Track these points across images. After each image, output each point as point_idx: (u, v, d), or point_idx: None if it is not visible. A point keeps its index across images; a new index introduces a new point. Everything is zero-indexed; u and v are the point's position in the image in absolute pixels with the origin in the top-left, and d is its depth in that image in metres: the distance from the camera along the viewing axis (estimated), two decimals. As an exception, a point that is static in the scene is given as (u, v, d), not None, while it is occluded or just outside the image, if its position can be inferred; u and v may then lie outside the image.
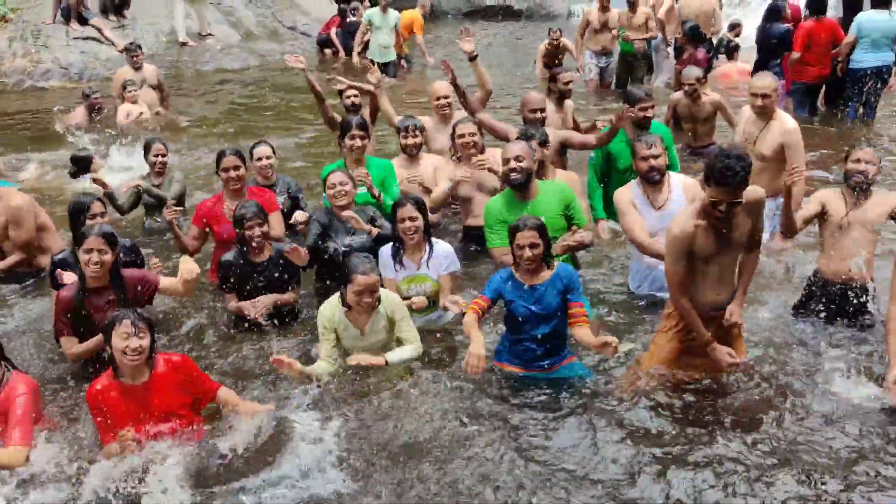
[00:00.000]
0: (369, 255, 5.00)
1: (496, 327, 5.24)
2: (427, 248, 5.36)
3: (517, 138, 5.97)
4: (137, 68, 11.34)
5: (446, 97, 7.18)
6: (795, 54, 10.06)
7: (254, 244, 5.42)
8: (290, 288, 5.59)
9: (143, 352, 4.04)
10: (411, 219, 5.23)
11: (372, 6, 15.60)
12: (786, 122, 6.21)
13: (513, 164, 5.34)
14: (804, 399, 4.53)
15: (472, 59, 6.95)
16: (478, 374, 4.47)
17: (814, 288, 5.47)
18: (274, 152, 6.71)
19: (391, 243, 5.40)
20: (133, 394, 4.08)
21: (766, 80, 6.27)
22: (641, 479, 3.92)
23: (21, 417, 4.10)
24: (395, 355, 4.81)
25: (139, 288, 4.99)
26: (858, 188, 5.23)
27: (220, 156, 6.20)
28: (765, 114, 6.25)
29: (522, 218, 4.69)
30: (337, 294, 4.87)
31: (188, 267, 4.93)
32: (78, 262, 4.91)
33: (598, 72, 12.60)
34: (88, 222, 5.43)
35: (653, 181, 5.48)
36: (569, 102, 7.67)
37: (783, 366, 4.90)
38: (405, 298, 5.23)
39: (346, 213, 5.48)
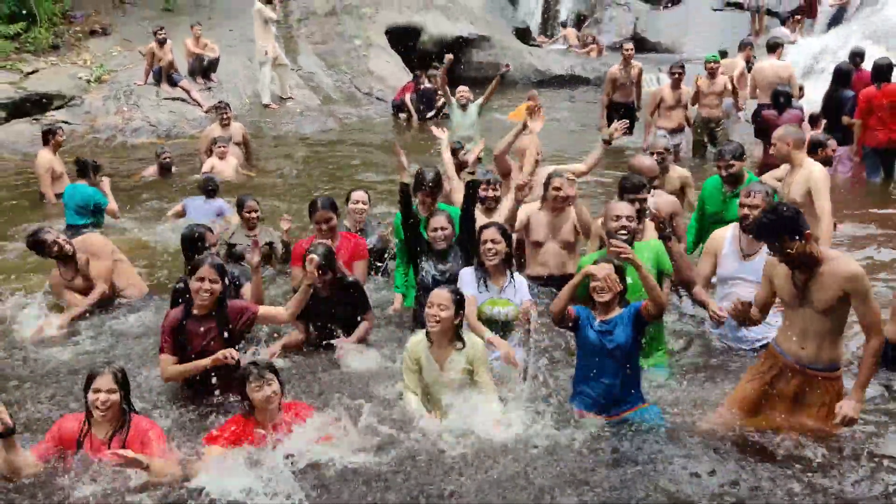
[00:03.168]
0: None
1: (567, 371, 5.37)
2: (508, 274, 5.57)
3: (625, 189, 6.07)
4: (225, 125, 11.96)
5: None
6: (856, 121, 10.23)
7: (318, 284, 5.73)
8: (358, 318, 5.92)
9: (277, 396, 4.54)
10: (493, 241, 5.46)
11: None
12: (812, 168, 6.52)
13: (624, 222, 5.40)
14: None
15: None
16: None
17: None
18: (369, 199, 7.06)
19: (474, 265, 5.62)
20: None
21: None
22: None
23: (162, 448, 4.43)
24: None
25: (241, 318, 5.28)
26: None
27: (314, 206, 6.53)
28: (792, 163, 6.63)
29: (605, 259, 4.86)
30: (423, 330, 5.07)
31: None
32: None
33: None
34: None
35: (745, 230, 5.57)
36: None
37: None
38: (488, 319, 5.47)
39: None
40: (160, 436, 4.47)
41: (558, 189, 6.48)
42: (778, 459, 4.46)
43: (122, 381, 4.43)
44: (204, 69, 15.90)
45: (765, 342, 5.16)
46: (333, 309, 5.84)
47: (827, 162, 7.69)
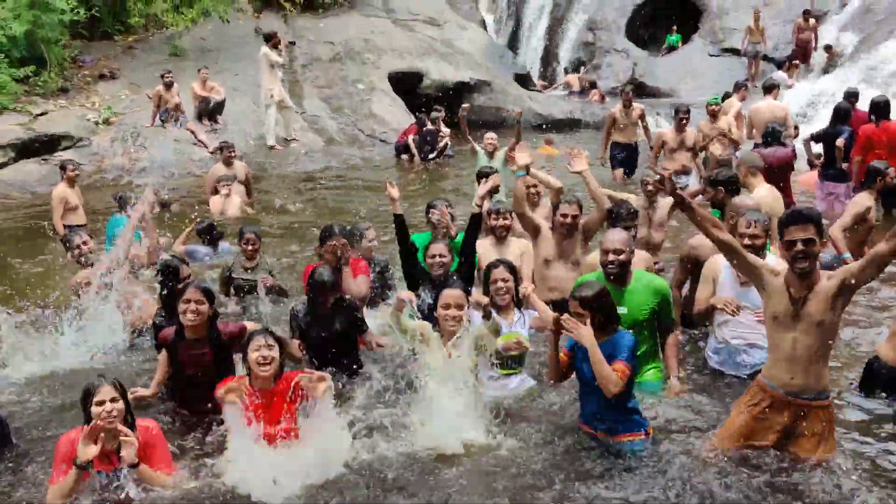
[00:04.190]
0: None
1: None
2: (517, 310, 5.65)
3: (612, 215, 6.29)
4: (229, 164, 12.14)
5: (535, 185, 7.52)
6: (857, 158, 10.33)
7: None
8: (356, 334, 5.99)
9: (272, 362, 4.66)
10: (503, 280, 5.54)
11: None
12: (759, 191, 7.60)
13: (611, 256, 5.33)
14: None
15: (527, 171, 6.94)
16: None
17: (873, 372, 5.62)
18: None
19: None
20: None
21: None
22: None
23: (165, 449, 4.57)
24: None
25: (235, 340, 5.28)
26: None
27: (328, 234, 6.55)
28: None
29: (578, 287, 4.81)
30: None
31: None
32: (170, 321, 5.42)
33: None
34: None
35: None
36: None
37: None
38: (498, 353, 5.38)
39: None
40: (160, 435, 4.60)
41: (566, 216, 6.58)
42: (769, 491, 4.46)
43: (122, 390, 4.48)
44: (210, 111, 16.18)
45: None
46: (331, 325, 5.86)
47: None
